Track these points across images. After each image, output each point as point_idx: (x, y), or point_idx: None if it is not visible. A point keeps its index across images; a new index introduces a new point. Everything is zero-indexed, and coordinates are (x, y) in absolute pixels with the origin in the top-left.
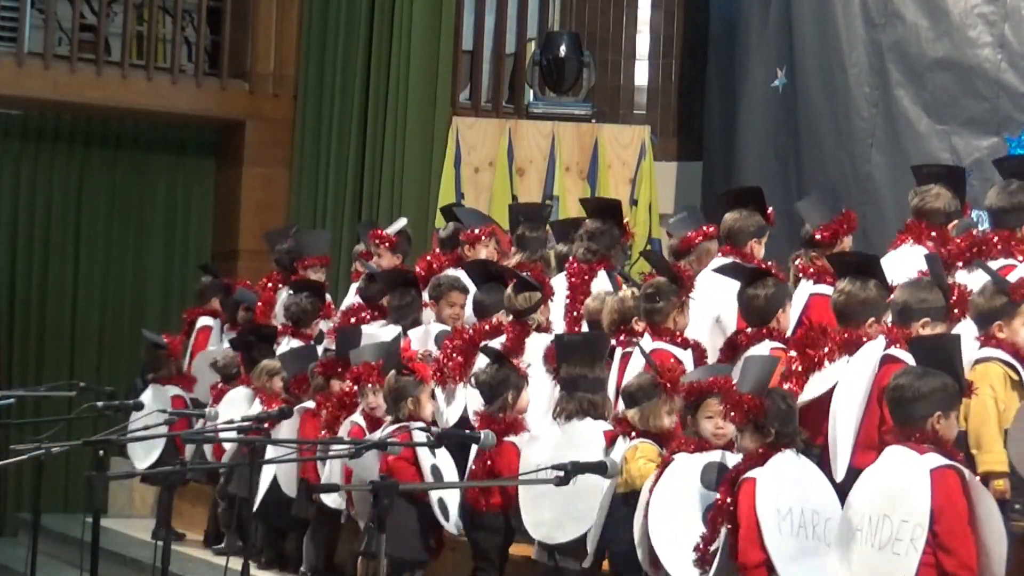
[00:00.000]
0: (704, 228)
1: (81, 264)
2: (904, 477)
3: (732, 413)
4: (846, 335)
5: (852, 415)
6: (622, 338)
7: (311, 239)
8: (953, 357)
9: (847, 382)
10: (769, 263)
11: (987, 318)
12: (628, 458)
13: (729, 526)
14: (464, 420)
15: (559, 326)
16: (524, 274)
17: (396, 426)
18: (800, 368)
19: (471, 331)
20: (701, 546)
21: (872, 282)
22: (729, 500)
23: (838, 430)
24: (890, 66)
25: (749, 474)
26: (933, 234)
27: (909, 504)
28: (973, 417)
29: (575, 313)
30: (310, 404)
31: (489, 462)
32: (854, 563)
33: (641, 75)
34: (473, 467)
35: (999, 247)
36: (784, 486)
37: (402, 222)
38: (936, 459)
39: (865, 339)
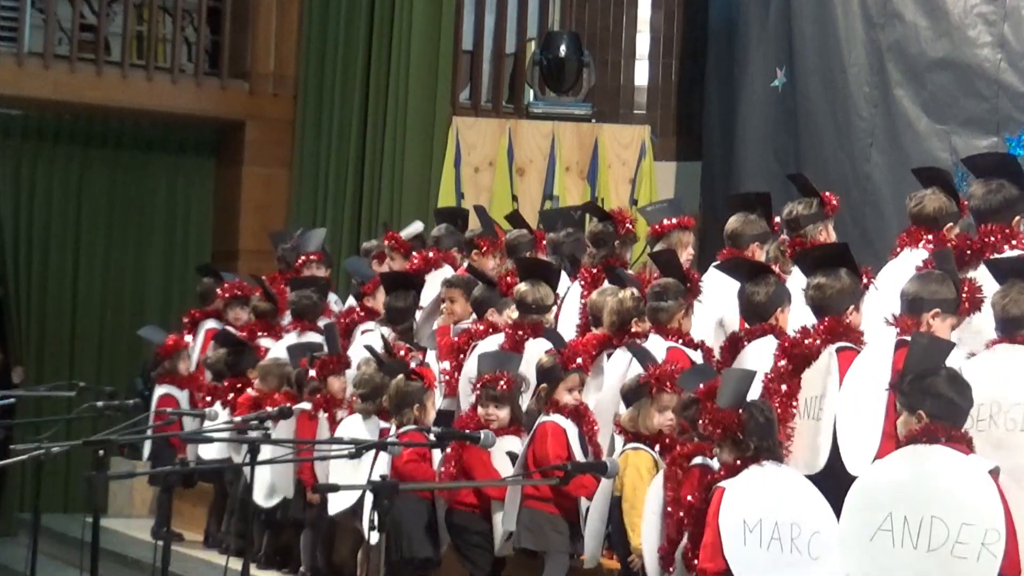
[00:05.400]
0: (681, 218)
1: (81, 264)
2: (959, 479)
3: (712, 429)
4: (828, 324)
5: (876, 406)
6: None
7: (304, 237)
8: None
9: (862, 373)
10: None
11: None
12: (621, 464)
13: (691, 531)
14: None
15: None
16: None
17: (403, 430)
18: (789, 368)
19: (468, 332)
20: (665, 546)
21: (842, 271)
22: (699, 506)
23: (858, 422)
24: (889, 66)
25: (722, 483)
26: (930, 237)
27: (972, 507)
28: None
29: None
30: (306, 405)
31: (454, 462)
32: (880, 562)
33: (641, 75)
34: (442, 469)
35: (996, 242)
36: (755, 498)
37: (418, 227)
38: (984, 461)
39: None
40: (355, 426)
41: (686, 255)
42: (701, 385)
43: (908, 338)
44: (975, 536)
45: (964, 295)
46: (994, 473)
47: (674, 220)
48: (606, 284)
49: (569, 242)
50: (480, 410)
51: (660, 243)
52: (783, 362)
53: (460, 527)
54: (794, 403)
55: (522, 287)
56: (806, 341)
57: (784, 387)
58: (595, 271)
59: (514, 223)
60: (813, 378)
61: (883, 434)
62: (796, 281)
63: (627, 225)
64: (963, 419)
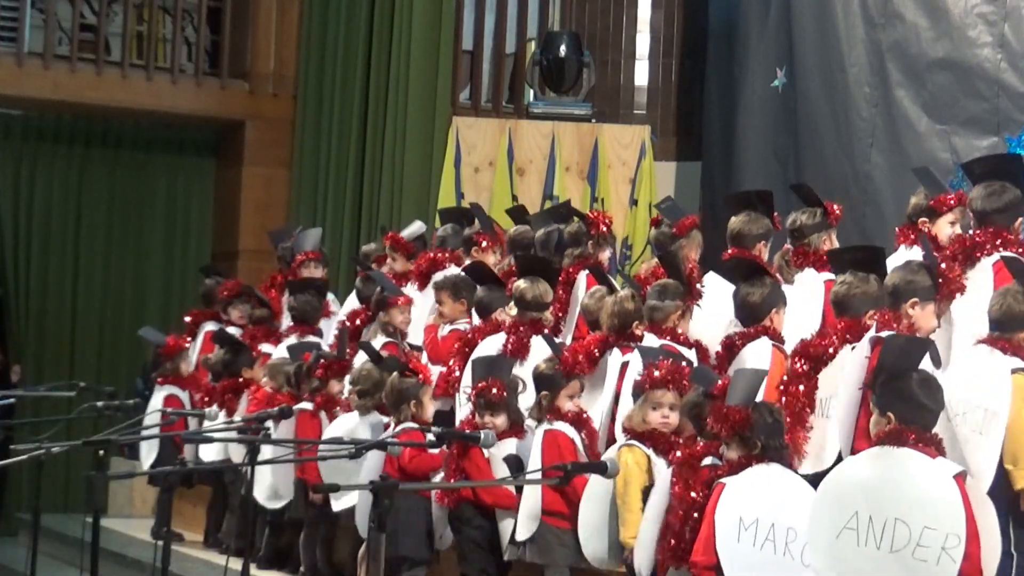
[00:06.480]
0: (693, 216)
1: (81, 264)
2: (924, 482)
3: (719, 427)
4: (845, 324)
5: (850, 403)
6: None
7: (300, 236)
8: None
9: (846, 372)
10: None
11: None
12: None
13: (691, 525)
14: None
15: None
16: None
17: (401, 427)
18: (806, 367)
19: (471, 332)
20: (674, 542)
21: (872, 276)
22: (699, 499)
23: (836, 418)
24: (890, 66)
25: (723, 479)
26: (911, 235)
27: (935, 511)
28: (1015, 431)
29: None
30: (308, 405)
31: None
32: (845, 559)
33: (641, 75)
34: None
35: (992, 244)
36: (755, 497)
37: (419, 227)
38: (950, 465)
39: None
40: (350, 424)
41: (700, 253)
42: (718, 383)
43: (883, 336)
44: (936, 540)
45: (940, 281)
46: (960, 477)
47: (693, 218)
48: (596, 286)
49: (551, 240)
50: (477, 419)
51: (682, 241)
52: (800, 363)
53: (462, 522)
54: (811, 402)
55: (521, 284)
56: (823, 341)
57: (801, 387)
58: (570, 270)
59: (516, 219)
60: (829, 378)
61: (858, 430)
62: (798, 289)
63: (601, 226)
64: (933, 422)
